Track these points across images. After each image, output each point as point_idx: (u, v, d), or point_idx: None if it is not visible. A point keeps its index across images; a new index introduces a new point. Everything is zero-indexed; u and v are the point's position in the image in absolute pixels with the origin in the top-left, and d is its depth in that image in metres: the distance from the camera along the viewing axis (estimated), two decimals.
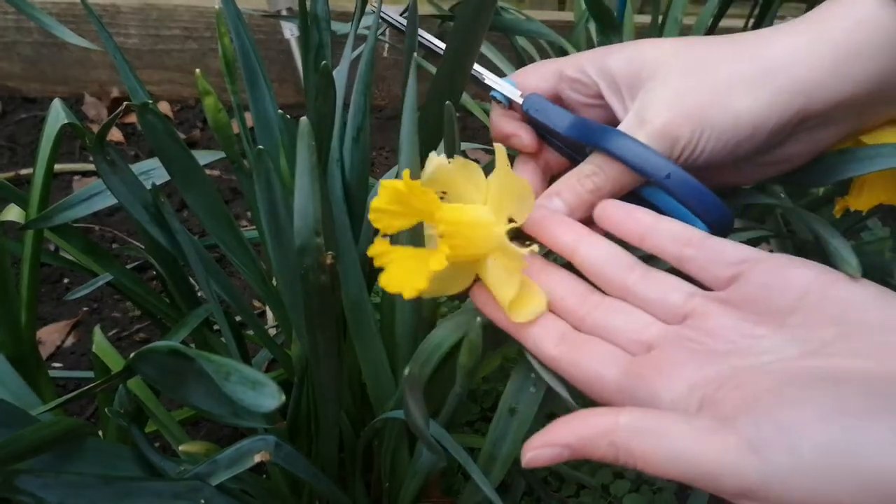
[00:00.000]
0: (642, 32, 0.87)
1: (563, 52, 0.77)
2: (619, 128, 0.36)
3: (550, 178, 0.42)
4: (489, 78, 0.42)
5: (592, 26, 0.86)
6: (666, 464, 0.26)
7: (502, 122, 0.41)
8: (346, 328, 0.50)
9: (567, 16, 1.21)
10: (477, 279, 0.35)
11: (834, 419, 0.24)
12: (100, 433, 0.53)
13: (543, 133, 0.41)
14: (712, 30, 0.76)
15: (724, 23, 0.82)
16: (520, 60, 0.85)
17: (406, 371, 0.35)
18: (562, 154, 0.42)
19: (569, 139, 0.39)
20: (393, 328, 0.48)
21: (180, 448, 0.43)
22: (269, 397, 0.34)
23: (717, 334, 0.31)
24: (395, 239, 0.35)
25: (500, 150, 0.33)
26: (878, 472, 0.23)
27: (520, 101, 0.40)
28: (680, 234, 0.34)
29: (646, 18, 1.12)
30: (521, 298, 0.34)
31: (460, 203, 0.35)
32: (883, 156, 0.37)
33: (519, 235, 0.35)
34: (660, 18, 0.80)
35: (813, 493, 0.23)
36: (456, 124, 0.38)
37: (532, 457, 0.28)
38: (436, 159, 0.34)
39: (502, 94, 0.41)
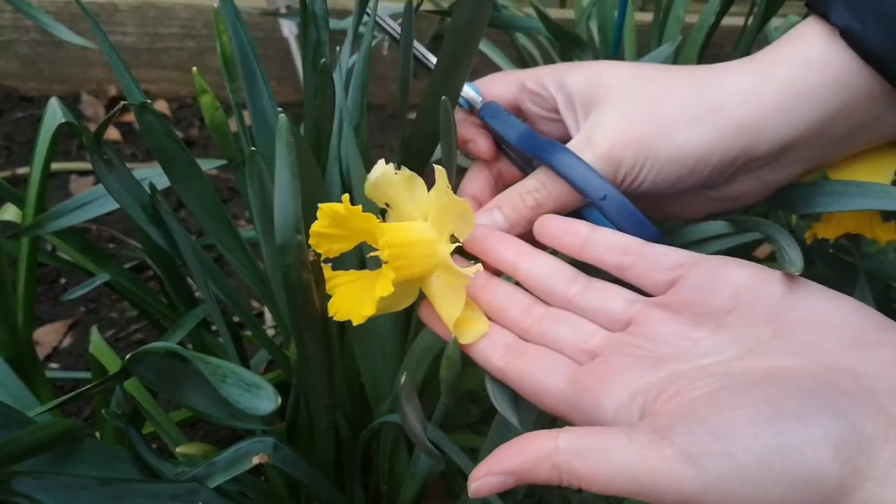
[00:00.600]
0: (644, 31, 0.87)
1: (563, 49, 0.77)
2: (569, 145, 0.37)
3: (501, 187, 0.42)
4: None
5: (594, 24, 0.85)
6: (609, 481, 0.25)
7: (462, 127, 0.41)
8: (344, 329, 0.49)
9: (568, 13, 1.21)
10: (422, 294, 0.36)
11: (767, 422, 0.24)
12: (97, 434, 0.52)
13: (500, 142, 0.42)
14: (714, 28, 0.76)
15: (725, 21, 0.81)
16: (520, 58, 0.85)
17: (402, 378, 0.35)
18: (515, 166, 0.42)
19: (518, 150, 0.40)
20: (392, 329, 0.48)
21: (178, 450, 0.43)
22: (265, 400, 0.34)
23: (658, 339, 0.31)
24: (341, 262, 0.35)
25: (440, 169, 0.33)
26: (811, 472, 0.23)
27: (479, 107, 0.41)
28: (617, 243, 0.34)
29: (647, 16, 1.11)
30: (466, 319, 0.34)
31: (399, 215, 0.35)
32: (849, 195, 0.37)
33: (462, 253, 0.36)
34: (660, 16, 0.79)
35: (751, 498, 0.23)
36: (454, 123, 0.37)
37: (476, 487, 0.28)
38: (382, 167, 0.34)
39: (464, 99, 0.41)
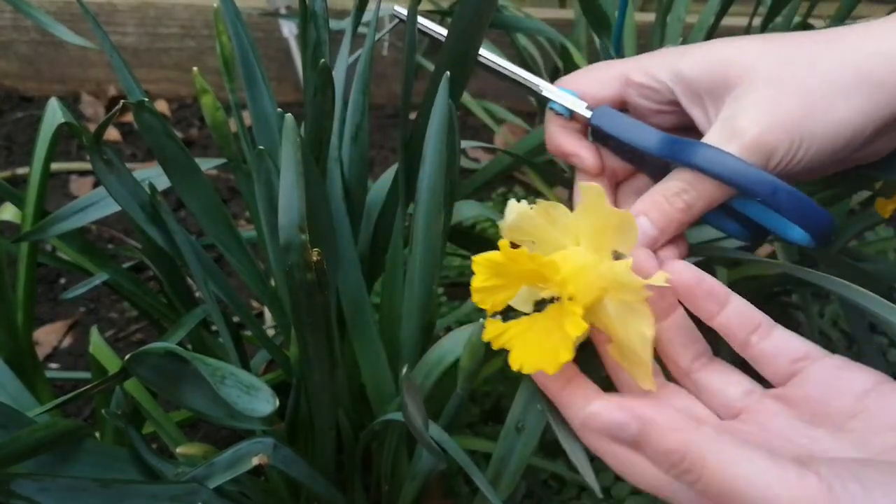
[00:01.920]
0: (644, 31, 0.87)
1: (564, 50, 0.77)
2: (707, 140, 0.34)
3: (615, 184, 0.39)
4: (546, 89, 0.38)
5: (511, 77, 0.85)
6: (731, 482, 0.25)
7: (561, 139, 0.38)
8: (344, 329, 0.49)
9: (567, 14, 1.21)
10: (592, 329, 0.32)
11: None
12: (97, 434, 0.52)
13: (616, 150, 0.38)
14: (714, 29, 0.76)
15: (725, 21, 0.81)
16: (520, 59, 0.85)
17: (403, 372, 0.35)
18: (622, 158, 0.39)
19: (649, 155, 0.36)
20: (392, 329, 0.48)
21: (178, 450, 0.43)
22: (264, 402, 0.34)
23: (772, 430, 0.30)
24: None
25: (589, 188, 0.30)
26: None
27: (585, 113, 0.37)
28: (751, 318, 0.32)
29: (648, 17, 1.11)
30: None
31: (546, 248, 0.33)
32: None
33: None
34: (662, 16, 0.79)
35: None
36: (456, 125, 0.37)
37: (597, 410, 0.28)
38: (517, 206, 0.32)
39: (562, 106, 0.37)
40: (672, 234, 0.35)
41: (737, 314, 0.32)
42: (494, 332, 0.30)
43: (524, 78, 0.40)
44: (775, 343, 0.32)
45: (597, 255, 0.32)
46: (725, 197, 0.34)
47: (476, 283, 0.30)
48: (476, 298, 0.31)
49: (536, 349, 0.29)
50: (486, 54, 0.41)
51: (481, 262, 0.30)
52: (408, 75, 0.43)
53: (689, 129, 0.36)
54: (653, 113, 0.37)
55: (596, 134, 0.38)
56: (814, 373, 0.31)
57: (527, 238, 0.33)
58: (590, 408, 0.28)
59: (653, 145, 0.35)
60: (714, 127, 0.34)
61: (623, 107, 0.38)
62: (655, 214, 0.34)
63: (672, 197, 0.34)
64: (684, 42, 0.76)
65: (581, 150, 0.38)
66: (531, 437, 0.38)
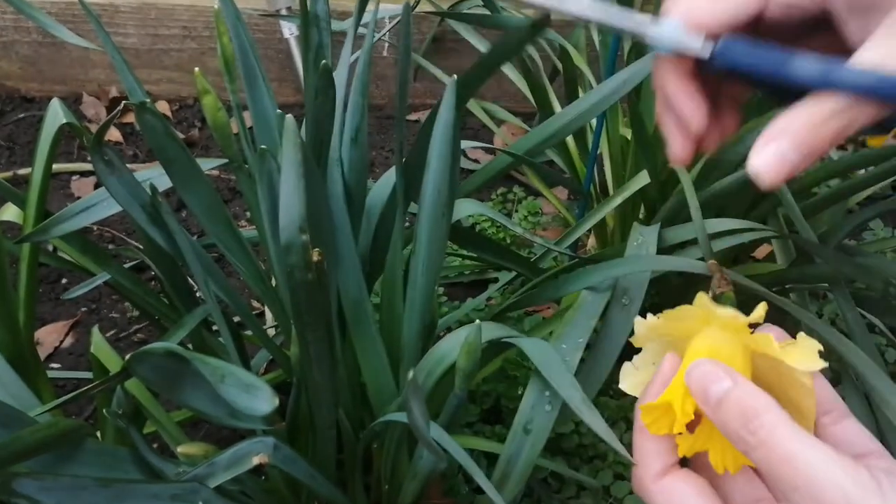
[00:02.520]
0: None
1: (563, 52, 0.77)
2: (871, 49, 0.28)
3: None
4: (635, 20, 0.31)
5: (592, 25, 0.86)
6: (791, 457, 0.26)
7: (667, 80, 0.32)
8: (345, 329, 0.49)
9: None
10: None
11: None
12: (98, 434, 0.53)
13: (755, 85, 0.32)
14: None
15: None
16: (520, 60, 0.85)
17: (409, 374, 0.35)
18: (742, 85, 0.34)
19: (795, 85, 0.30)
20: (392, 329, 0.48)
21: (179, 449, 0.43)
22: (264, 401, 0.34)
23: None
24: None
25: (765, 338, 0.30)
26: None
27: (703, 51, 0.30)
28: (825, 399, 0.32)
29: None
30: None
31: (682, 347, 0.33)
32: None
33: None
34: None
35: None
36: (457, 130, 0.37)
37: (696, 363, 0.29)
38: (643, 322, 0.32)
39: (665, 42, 0.30)
40: (813, 161, 0.30)
41: (816, 391, 0.32)
42: (685, 444, 0.31)
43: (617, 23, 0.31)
44: (845, 430, 0.32)
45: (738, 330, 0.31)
46: (880, 115, 0.30)
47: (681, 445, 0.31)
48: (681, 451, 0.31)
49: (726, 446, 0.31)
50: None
51: (648, 409, 0.31)
52: (403, 77, 0.43)
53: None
54: (794, 37, 0.32)
55: (714, 67, 0.31)
56: (872, 471, 0.30)
57: (669, 341, 0.33)
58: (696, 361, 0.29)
59: (806, 73, 0.29)
60: (877, 41, 0.29)
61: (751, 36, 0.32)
62: (803, 136, 0.29)
63: (823, 123, 0.29)
64: None
65: (686, 98, 0.32)
66: (539, 437, 0.38)
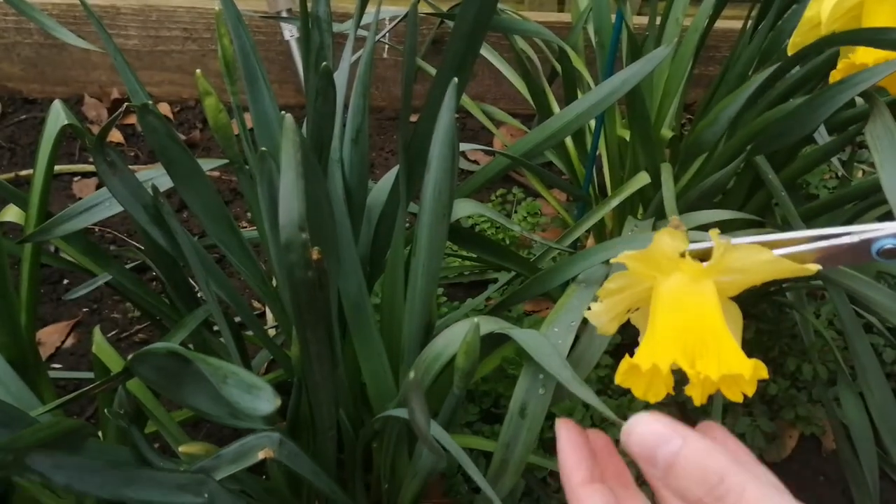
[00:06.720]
0: (641, 32, 0.88)
1: (562, 54, 0.77)
2: None
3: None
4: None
5: (591, 27, 0.86)
6: None
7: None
8: (345, 328, 0.50)
9: (565, 17, 1.21)
10: None
11: None
12: (100, 434, 0.53)
13: None
14: (707, 31, 0.76)
15: (720, 24, 0.82)
16: (519, 61, 0.85)
17: (410, 374, 0.35)
18: None
19: None
20: (392, 328, 0.48)
21: (180, 449, 0.43)
22: (265, 401, 0.35)
23: None
24: None
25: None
26: None
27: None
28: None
29: (643, 20, 1.12)
30: None
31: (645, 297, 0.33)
32: None
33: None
34: (657, 19, 0.80)
35: None
36: (455, 129, 0.38)
37: (637, 419, 0.26)
38: (593, 308, 0.33)
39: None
40: None
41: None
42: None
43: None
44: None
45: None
46: None
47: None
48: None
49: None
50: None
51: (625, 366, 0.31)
52: (408, 79, 0.44)
53: None
54: None
55: None
56: None
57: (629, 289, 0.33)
58: (632, 418, 0.26)
59: None
60: None
61: None
62: None
63: None
64: (679, 44, 0.76)
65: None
66: (535, 421, 0.38)
